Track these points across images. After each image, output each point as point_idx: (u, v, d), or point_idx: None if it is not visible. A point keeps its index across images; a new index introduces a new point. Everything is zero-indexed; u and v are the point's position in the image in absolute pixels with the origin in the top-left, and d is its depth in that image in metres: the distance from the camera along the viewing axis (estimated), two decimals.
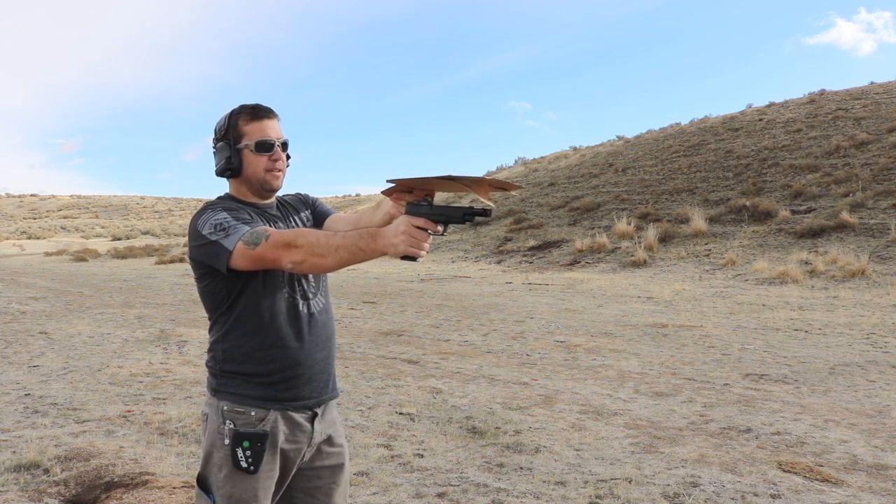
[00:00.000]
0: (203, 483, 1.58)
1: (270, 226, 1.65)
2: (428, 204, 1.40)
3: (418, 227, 1.35)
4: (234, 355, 1.59)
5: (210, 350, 1.65)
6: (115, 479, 3.21)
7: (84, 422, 4.21)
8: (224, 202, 1.64)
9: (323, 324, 1.68)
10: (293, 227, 1.73)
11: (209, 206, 1.60)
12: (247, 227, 1.51)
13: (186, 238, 1.65)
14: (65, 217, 70.09)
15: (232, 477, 1.54)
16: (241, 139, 1.63)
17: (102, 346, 6.88)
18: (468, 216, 1.36)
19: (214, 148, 1.68)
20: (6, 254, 34.34)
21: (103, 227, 57.53)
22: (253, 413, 1.56)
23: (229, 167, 1.64)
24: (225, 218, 1.53)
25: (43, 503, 3.00)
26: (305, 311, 1.65)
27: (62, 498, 3.06)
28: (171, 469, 3.37)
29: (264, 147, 1.63)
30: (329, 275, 1.74)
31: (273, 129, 1.65)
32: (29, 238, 49.61)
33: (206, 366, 1.66)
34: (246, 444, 1.53)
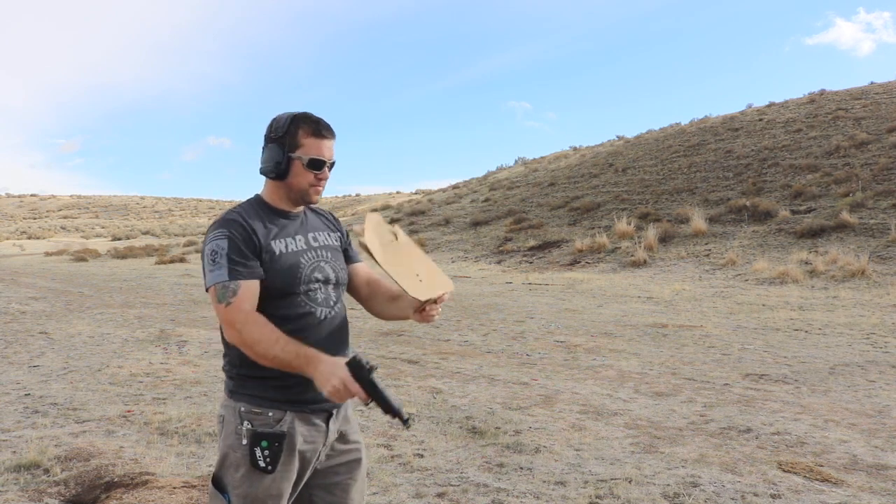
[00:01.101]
0: (218, 483, 1.59)
1: (288, 242, 1.65)
2: (369, 373, 1.45)
3: (349, 389, 1.44)
4: (250, 360, 1.58)
5: (226, 355, 1.66)
6: (115, 479, 3.21)
7: (84, 422, 4.21)
8: (238, 224, 1.60)
9: (338, 328, 1.69)
10: (314, 243, 1.71)
11: (222, 224, 1.60)
12: (226, 279, 1.54)
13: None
14: (65, 217, 70.09)
15: (249, 476, 1.55)
16: (297, 149, 1.63)
17: (102, 346, 6.88)
18: (396, 417, 1.46)
19: (265, 145, 1.67)
20: (6, 254, 34.34)
21: (103, 227, 57.55)
22: (270, 414, 1.58)
23: (276, 171, 1.65)
24: (223, 250, 1.56)
25: (43, 503, 3.00)
26: (321, 315, 1.65)
27: (62, 498, 3.06)
28: (171, 469, 3.37)
29: (316, 165, 1.64)
30: None
31: (328, 150, 1.67)
32: (29, 238, 49.62)
33: (223, 369, 1.68)
34: (264, 443, 1.55)
